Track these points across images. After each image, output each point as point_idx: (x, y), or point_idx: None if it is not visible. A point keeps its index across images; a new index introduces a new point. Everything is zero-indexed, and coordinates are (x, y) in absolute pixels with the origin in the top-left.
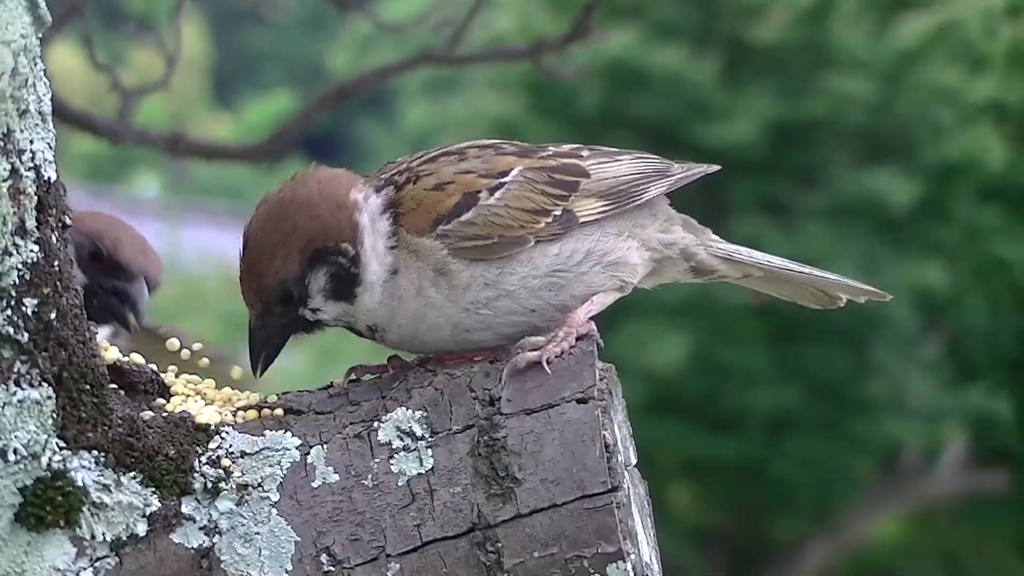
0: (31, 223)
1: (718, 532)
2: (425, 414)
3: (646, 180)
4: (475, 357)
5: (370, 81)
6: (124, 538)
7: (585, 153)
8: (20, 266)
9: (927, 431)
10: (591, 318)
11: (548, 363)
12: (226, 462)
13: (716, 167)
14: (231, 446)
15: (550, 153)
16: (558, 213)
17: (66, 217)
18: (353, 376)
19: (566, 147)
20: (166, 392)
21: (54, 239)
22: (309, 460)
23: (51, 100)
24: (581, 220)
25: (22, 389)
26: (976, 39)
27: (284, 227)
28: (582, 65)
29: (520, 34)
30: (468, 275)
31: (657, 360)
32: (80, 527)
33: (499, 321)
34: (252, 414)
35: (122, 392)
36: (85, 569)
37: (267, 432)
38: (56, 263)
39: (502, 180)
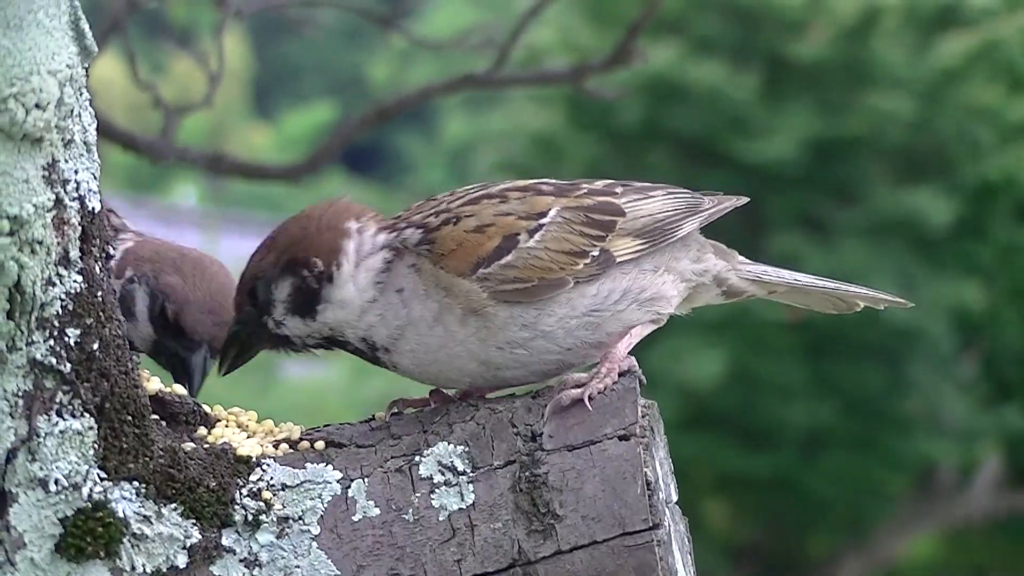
0: (75, 253)
1: (752, 547)
2: (467, 449)
3: (680, 216)
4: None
5: (411, 101)
6: (164, 570)
7: (619, 190)
8: (63, 296)
9: (961, 450)
10: (630, 352)
11: (590, 399)
12: (267, 494)
13: (745, 199)
14: (272, 478)
15: (585, 191)
16: (596, 254)
17: (109, 247)
18: (395, 409)
19: (599, 184)
20: (208, 423)
21: (97, 269)
22: (350, 493)
23: (97, 118)
24: (618, 260)
25: (64, 419)
26: (1016, 58)
27: (279, 233)
28: (624, 84)
29: (561, 49)
30: (505, 316)
31: (693, 375)
32: (120, 558)
33: (533, 360)
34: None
35: (163, 423)
36: None
37: (308, 465)
38: (99, 293)
39: (540, 221)
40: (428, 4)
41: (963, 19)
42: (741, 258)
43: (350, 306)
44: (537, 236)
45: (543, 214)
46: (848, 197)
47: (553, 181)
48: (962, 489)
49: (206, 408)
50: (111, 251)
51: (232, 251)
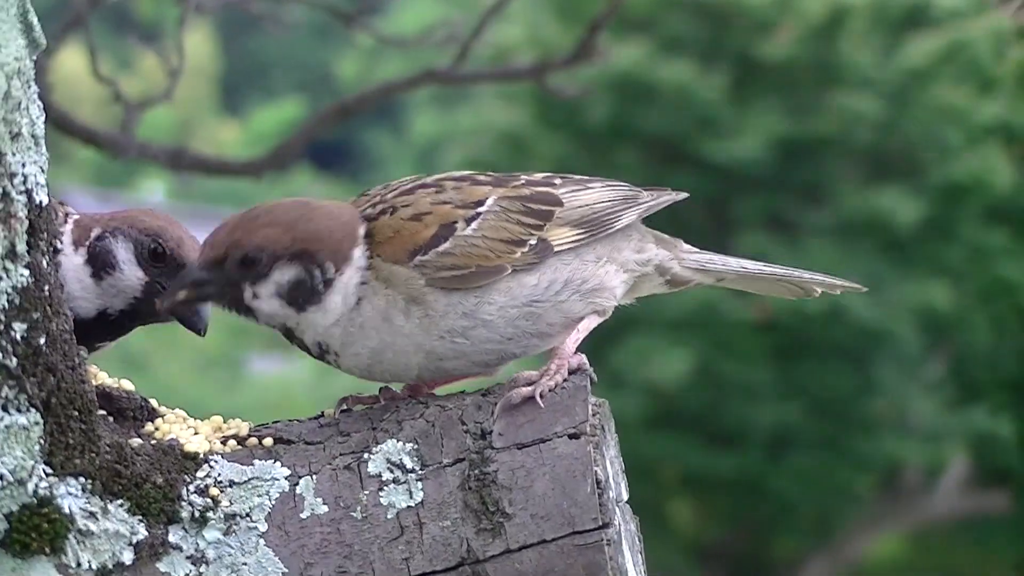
0: (22, 247)
1: (718, 547)
2: (416, 446)
3: (619, 208)
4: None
5: (373, 98)
6: (110, 566)
7: (557, 182)
8: (10, 290)
9: (928, 451)
10: (578, 347)
11: (541, 397)
12: (214, 491)
13: (684, 194)
14: (219, 475)
15: (523, 182)
16: (533, 242)
17: (57, 241)
18: (344, 406)
19: (538, 176)
20: (155, 419)
21: (44, 263)
22: (298, 491)
23: (57, 112)
24: (556, 249)
25: (9, 414)
26: (985, 60)
27: (300, 213)
28: (588, 82)
29: (528, 45)
30: (445, 303)
31: (659, 374)
32: (66, 554)
33: (473, 350)
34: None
35: (110, 418)
36: None
37: (256, 461)
38: (46, 287)
39: (478, 210)
40: (397, 1)
41: (931, 20)
42: (686, 247)
43: (332, 313)
44: (474, 224)
45: (480, 203)
46: (816, 197)
47: (491, 173)
48: (928, 490)
49: (153, 404)
50: (59, 245)
51: None
